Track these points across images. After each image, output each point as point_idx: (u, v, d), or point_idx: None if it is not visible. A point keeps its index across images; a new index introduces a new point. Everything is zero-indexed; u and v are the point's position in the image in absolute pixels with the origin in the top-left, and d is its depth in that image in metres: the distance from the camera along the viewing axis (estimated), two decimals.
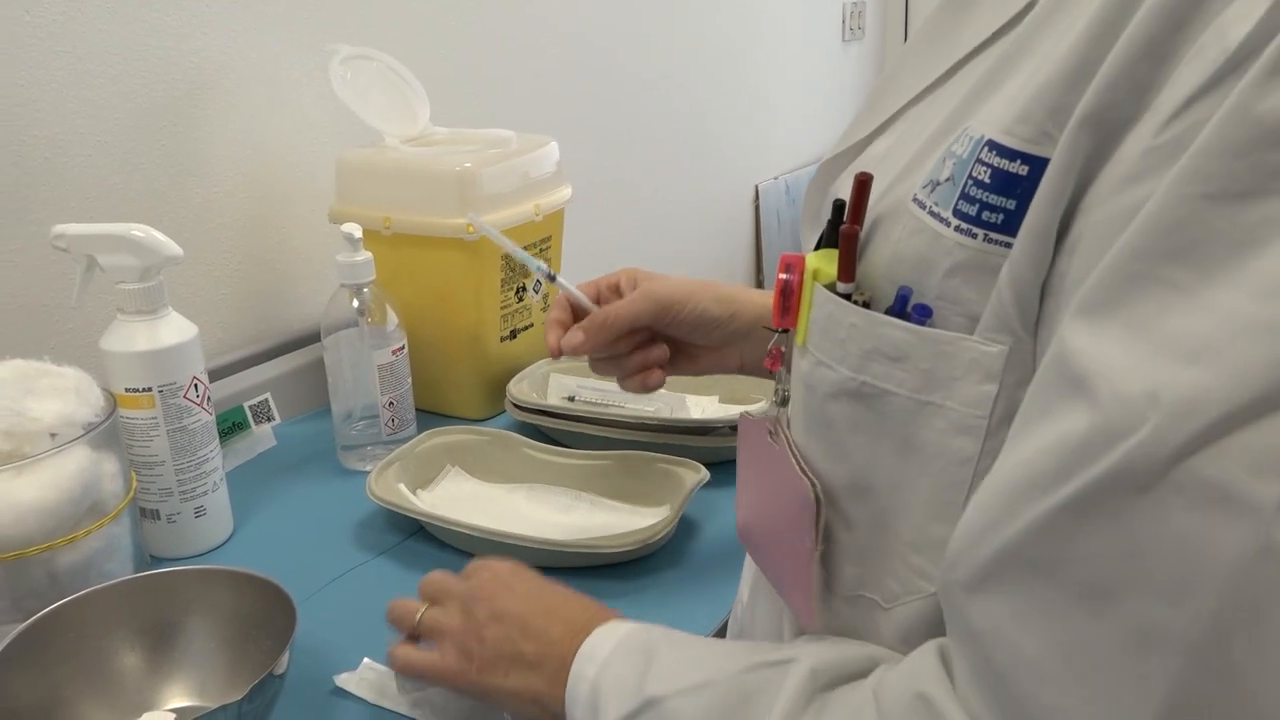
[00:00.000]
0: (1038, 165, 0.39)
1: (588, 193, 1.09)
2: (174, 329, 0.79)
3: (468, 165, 0.96)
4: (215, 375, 1.00)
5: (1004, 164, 0.40)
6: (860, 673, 0.46)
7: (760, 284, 2.16)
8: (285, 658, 0.59)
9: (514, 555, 0.78)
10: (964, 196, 0.41)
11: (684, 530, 0.84)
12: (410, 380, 0.96)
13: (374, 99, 1.04)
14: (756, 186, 2.11)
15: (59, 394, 0.71)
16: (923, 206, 0.43)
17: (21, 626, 0.61)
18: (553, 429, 0.97)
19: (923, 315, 0.43)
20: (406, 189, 0.98)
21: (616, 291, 0.79)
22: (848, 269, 0.45)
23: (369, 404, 0.95)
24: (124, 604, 0.65)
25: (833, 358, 0.46)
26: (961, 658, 0.40)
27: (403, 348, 0.95)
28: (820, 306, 0.47)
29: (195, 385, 0.79)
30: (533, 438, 0.93)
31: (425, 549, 0.83)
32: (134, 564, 0.73)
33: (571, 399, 1.00)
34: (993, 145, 0.40)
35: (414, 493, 0.88)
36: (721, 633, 0.71)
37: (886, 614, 0.48)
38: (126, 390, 0.77)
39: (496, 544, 0.78)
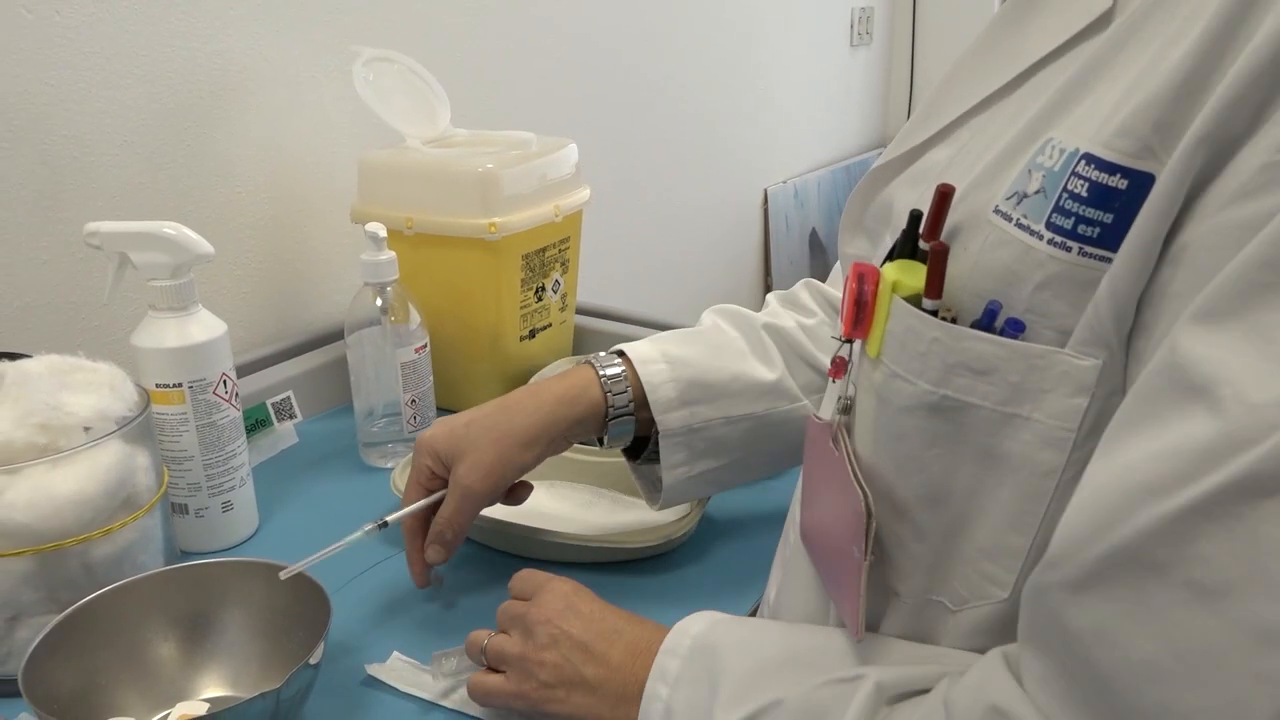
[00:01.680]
0: (1138, 179, 0.39)
1: (597, 194, 1.10)
2: (204, 326, 0.80)
3: (490, 166, 0.97)
4: (238, 373, 1.01)
5: (1102, 178, 0.40)
6: (927, 688, 0.47)
7: (768, 287, 2.17)
8: (321, 648, 0.60)
9: (539, 550, 0.80)
10: (1058, 209, 0.41)
11: (703, 528, 0.84)
12: (432, 378, 0.97)
13: (396, 101, 1.06)
14: (765, 190, 2.12)
15: (93, 389, 0.72)
16: (1008, 219, 0.43)
17: (61, 616, 0.62)
18: None
19: (1015, 330, 0.43)
20: (429, 190, 0.99)
21: (436, 477, 0.74)
22: (936, 285, 0.45)
23: (391, 401, 0.96)
24: (159, 595, 0.66)
25: (911, 371, 0.46)
26: (1045, 662, 0.40)
27: (425, 346, 0.96)
28: (899, 319, 0.46)
29: (224, 381, 0.80)
30: None
31: None
32: (165, 557, 0.74)
33: None
34: (1090, 159, 0.40)
35: None
36: None
37: (954, 616, 0.48)
38: (157, 386, 0.78)
39: (522, 538, 0.79)
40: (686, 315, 1.21)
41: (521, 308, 1.03)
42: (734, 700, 0.51)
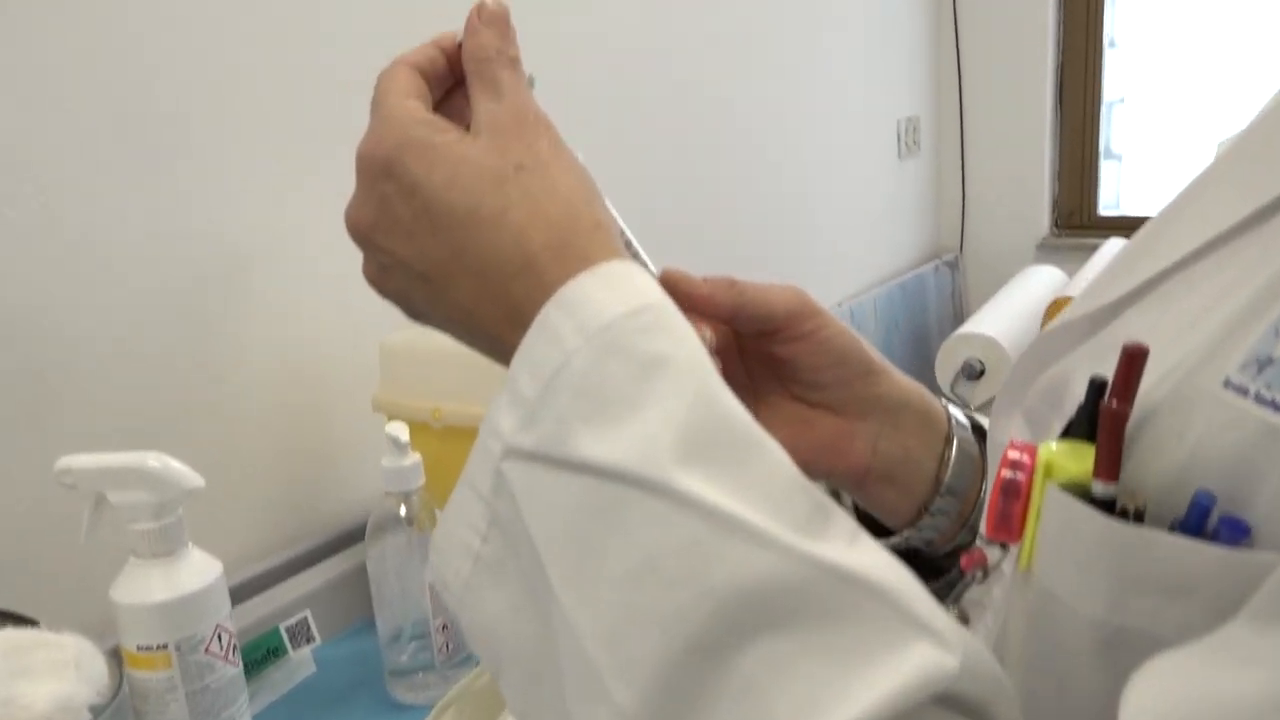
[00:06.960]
0: None
1: None
2: (194, 571, 0.68)
3: None
4: (247, 590, 0.89)
5: None
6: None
7: None
8: None
9: None
10: None
11: None
12: None
13: None
14: None
15: (55, 670, 0.59)
16: (1243, 393, 0.32)
17: None
18: None
19: (1237, 534, 0.31)
20: (458, 376, 0.87)
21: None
22: (1109, 463, 0.33)
23: (420, 620, 0.83)
24: None
25: (1070, 591, 0.34)
26: None
27: None
28: (1054, 514, 0.35)
29: (219, 635, 0.68)
30: None
31: None
32: None
33: None
34: None
35: None
36: None
37: None
38: (139, 649, 0.66)
39: None
40: None
41: None
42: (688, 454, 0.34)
